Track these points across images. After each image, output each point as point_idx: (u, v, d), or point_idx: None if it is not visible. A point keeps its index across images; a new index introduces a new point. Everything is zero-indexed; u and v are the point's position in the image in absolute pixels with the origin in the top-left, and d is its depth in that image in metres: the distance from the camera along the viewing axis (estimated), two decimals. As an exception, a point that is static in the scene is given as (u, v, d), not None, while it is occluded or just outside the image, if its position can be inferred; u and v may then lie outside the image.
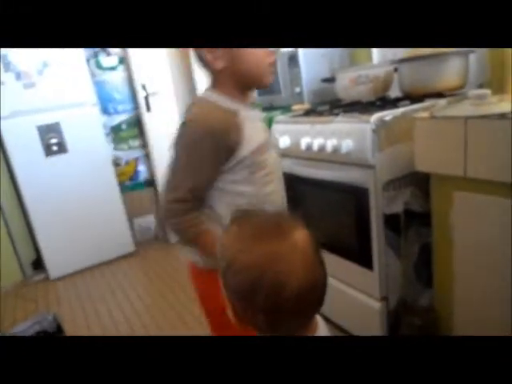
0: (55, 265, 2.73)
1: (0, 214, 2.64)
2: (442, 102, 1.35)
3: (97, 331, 2.04)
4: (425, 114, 1.19)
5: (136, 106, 2.97)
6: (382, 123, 1.23)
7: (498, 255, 1.08)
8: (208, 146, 0.83)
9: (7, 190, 2.71)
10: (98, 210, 2.80)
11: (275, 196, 0.98)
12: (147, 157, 3.04)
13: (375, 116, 1.23)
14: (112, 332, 2.01)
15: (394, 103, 1.40)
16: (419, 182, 1.29)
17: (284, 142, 1.60)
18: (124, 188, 3.00)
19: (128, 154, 3.06)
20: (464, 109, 1.15)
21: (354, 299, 1.49)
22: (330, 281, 1.77)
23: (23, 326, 1.69)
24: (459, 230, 1.17)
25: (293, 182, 1.68)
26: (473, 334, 1.21)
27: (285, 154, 1.66)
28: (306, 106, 1.80)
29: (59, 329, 1.67)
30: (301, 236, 0.51)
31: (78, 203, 2.72)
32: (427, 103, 1.36)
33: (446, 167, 1.14)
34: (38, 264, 2.82)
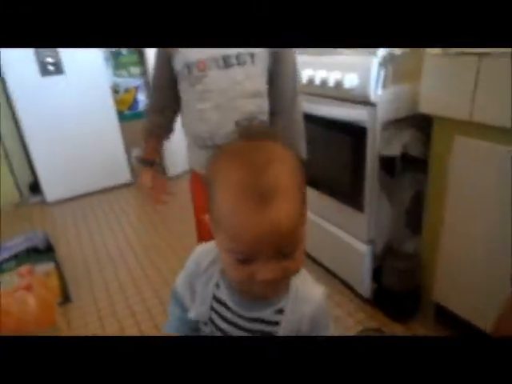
0: (52, 188, 2.75)
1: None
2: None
3: (88, 251, 2.10)
4: (438, 51, 1.10)
5: (137, 30, 2.80)
6: (390, 57, 1.14)
7: (490, 206, 1.05)
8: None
9: (4, 110, 2.64)
10: (96, 137, 2.76)
11: (210, 114, 0.98)
12: (147, 85, 2.93)
13: (384, 49, 1.14)
14: (102, 252, 2.07)
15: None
16: (421, 125, 1.22)
17: (286, 74, 1.51)
18: (123, 117, 2.93)
19: (128, 81, 2.95)
20: (481, 46, 1.05)
21: (342, 241, 1.49)
22: (319, 221, 1.75)
23: (15, 241, 1.72)
24: (455, 177, 1.12)
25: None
26: (453, 284, 1.21)
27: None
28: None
29: (49, 247, 1.70)
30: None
31: (75, 128, 2.68)
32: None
33: (451, 109, 1.07)
34: (36, 187, 2.84)
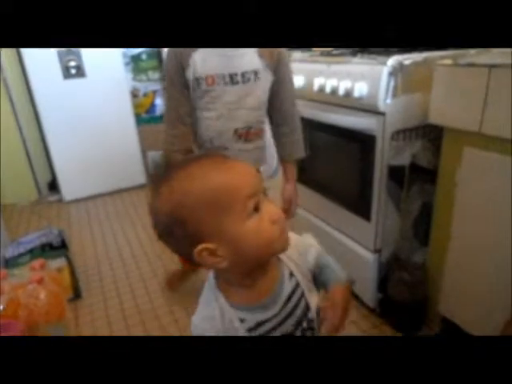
0: (69, 188, 2.83)
1: (19, 135, 2.70)
2: (472, 50, 1.24)
3: (100, 250, 2.15)
4: (448, 61, 1.10)
5: (158, 36, 2.88)
6: (400, 67, 1.14)
7: (499, 218, 1.03)
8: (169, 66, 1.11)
9: (26, 111, 2.75)
10: (113, 139, 2.83)
11: (213, 122, 1.13)
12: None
13: (394, 58, 1.14)
14: (113, 250, 2.12)
15: (421, 49, 1.29)
16: (431, 135, 1.22)
17: (298, 81, 1.53)
18: (140, 120, 3.00)
19: (147, 85, 3.02)
20: (491, 57, 1.05)
21: (348, 248, 1.48)
22: (326, 228, 1.75)
23: (31, 237, 1.78)
24: (463, 188, 1.11)
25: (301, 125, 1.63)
26: (459, 297, 1.20)
27: (297, 95, 1.59)
28: (328, 46, 1.70)
29: (63, 243, 1.75)
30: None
31: (94, 130, 2.75)
32: (455, 51, 1.25)
33: (461, 121, 1.07)
34: (54, 185, 2.93)
